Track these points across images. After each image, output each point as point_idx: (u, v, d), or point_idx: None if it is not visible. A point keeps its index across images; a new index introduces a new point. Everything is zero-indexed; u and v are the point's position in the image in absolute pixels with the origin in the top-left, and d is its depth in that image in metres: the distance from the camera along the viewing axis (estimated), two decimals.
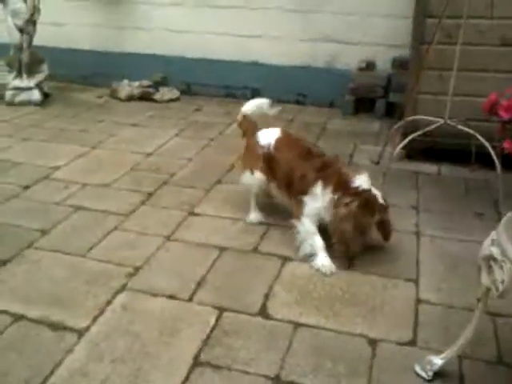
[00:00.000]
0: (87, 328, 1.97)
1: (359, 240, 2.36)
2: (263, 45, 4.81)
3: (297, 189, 2.50)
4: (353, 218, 2.29)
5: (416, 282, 2.27)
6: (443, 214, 2.84)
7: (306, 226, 2.44)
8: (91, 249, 2.49)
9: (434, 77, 3.29)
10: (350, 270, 2.37)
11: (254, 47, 4.84)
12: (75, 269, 2.34)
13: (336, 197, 2.33)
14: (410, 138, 3.00)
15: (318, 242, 2.41)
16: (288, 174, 2.55)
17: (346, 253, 2.37)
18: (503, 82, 2.93)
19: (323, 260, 2.36)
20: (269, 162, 2.65)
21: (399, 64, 4.30)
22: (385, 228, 2.43)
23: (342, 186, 2.34)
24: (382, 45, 4.47)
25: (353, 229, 2.30)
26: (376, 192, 2.39)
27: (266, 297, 2.16)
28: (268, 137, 2.73)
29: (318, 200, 2.40)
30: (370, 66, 4.50)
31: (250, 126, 2.89)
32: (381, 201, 2.38)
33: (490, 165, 2.89)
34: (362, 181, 2.35)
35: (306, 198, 2.44)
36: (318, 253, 2.39)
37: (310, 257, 2.41)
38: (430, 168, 3.45)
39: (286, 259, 2.42)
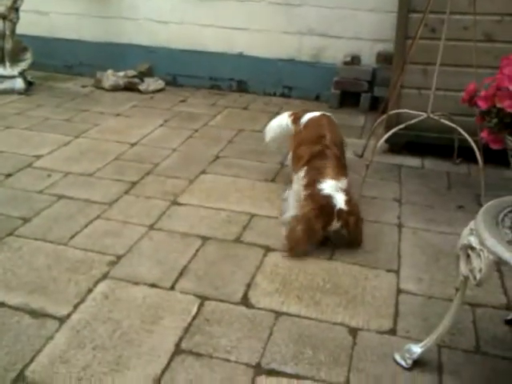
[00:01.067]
0: (68, 315, 1.97)
1: (307, 241, 2.37)
2: (249, 37, 4.80)
3: (294, 165, 2.71)
4: (303, 221, 2.36)
5: (397, 272, 2.29)
6: (425, 207, 2.87)
7: (289, 200, 2.62)
8: (73, 237, 2.47)
9: (418, 71, 3.31)
10: (332, 260, 2.38)
11: (240, 39, 4.83)
12: (57, 257, 2.32)
13: (304, 193, 2.43)
14: (392, 131, 3.02)
15: None
16: (295, 149, 2.75)
17: (291, 250, 2.38)
18: (486, 77, 2.97)
19: None
20: (296, 138, 2.84)
21: (384, 58, 4.32)
22: (349, 233, 2.43)
23: (312, 183, 2.44)
24: (367, 39, 4.48)
25: (301, 230, 2.35)
26: (339, 198, 2.38)
27: (248, 286, 2.16)
28: (306, 117, 2.90)
29: (299, 181, 2.53)
30: (355, 60, 4.51)
31: (300, 114, 3.00)
32: (342, 207, 2.36)
33: (473, 159, 2.92)
34: (327, 185, 2.39)
35: (295, 177, 2.61)
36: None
37: (286, 225, 2.50)
38: (413, 161, 3.47)
39: (268, 249, 2.43)
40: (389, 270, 2.31)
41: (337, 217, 2.36)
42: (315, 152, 2.56)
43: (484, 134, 1.42)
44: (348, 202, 2.41)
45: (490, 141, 1.42)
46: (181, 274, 2.22)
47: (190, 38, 4.94)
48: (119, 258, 2.33)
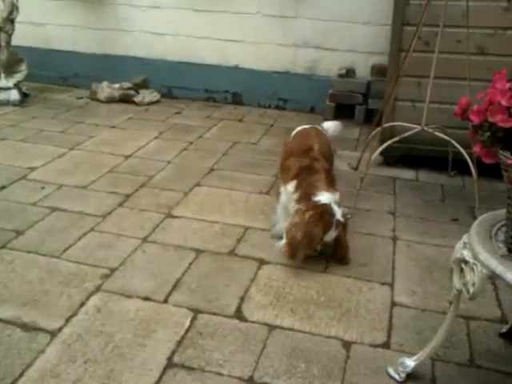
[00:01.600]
0: (60, 329, 1.95)
1: (305, 249, 2.35)
2: (244, 49, 4.82)
3: (282, 177, 2.71)
4: (303, 227, 2.33)
5: (391, 285, 2.29)
6: (420, 219, 2.87)
7: (278, 213, 2.62)
8: (66, 250, 2.46)
9: (412, 84, 3.33)
10: (326, 273, 2.37)
11: (235, 52, 4.85)
12: (49, 270, 2.31)
13: (297, 207, 2.42)
14: (387, 144, 3.02)
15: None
16: (284, 161, 2.73)
17: (291, 257, 2.36)
18: (480, 90, 2.98)
19: None
20: (284, 149, 2.84)
21: (378, 71, 4.33)
22: (340, 247, 2.43)
23: (305, 197, 2.42)
24: (362, 52, 4.51)
25: (301, 237, 2.32)
26: (337, 209, 2.38)
27: (242, 299, 2.15)
28: (296, 130, 2.96)
29: (288, 196, 2.52)
30: (349, 72, 4.53)
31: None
32: (339, 218, 2.37)
33: (467, 171, 2.93)
34: (323, 197, 2.39)
35: (282, 189, 2.61)
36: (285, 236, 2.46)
37: (277, 239, 2.50)
38: (407, 174, 3.48)
39: (262, 262, 2.42)
40: (383, 283, 2.30)
41: (335, 226, 2.36)
42: (304, 165, 2.54)
43: (476, 148, 1.42)
44: (343, 215, 2.41)
45: (483, 155, 1.42)
46: (174, 287, 2.21)
47: (185, 50, 4.96)
48: (112, 270, 2.31)
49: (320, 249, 2.40)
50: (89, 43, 5.18)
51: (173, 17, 4.88)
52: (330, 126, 3.13)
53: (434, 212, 2.96)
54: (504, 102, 1.32)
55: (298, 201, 2.44)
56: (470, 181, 2.96)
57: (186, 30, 4.89)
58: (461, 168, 3.18)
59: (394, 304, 2.16)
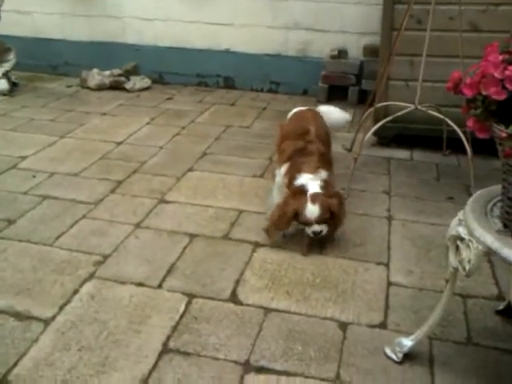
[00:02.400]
0: (53, 317, 1.93)
1: (278, 226, 2.38)
2: (235, 33, 4.76)
3: (278, 159, 2.70)
4: (278, 208, 2.37)
5: (387, 265, 2.27)
6: (415, 199, 2.85)
7: (274, 194, 2.60)
8: (59, 238, 2.44)
9: (405, 63, 3.29)
10: (322, 254, 2.35)
11: (226, 35, 4.79)
12: (42, 258, 2.28)
13: (286, 191, 2.44)
14: (380, 123, 2.99)
15: None
16: (280, 144, 2.71)
17: (267, 233, 2.40)
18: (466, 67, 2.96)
19: None
20: (281, 131, 2.81)
21: (370, 51, 4.28)
22: (333, 222, 2.39)
23: (291, 182, 2.42)
24: (354, 32, 4.45)
25: (275, 216, 2.35)
26: (312, 184, 2.35)
27: (237, 283, 2.14)
28: (292, 112, 2.94)
29: (280, 177, 2.52)
30: (342, 53, 4.47)
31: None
32: (317, 191, 2.34)
33: (462, 149, 2.90)
34: (302, 179, 2.37)
35: (277, 172, 2.58)
36: None
37: None
38: (402, 154, 3.45)
39: (256, 245, 2.40)
40: (379, 263, 2.28)
41: (311, 201, 2.30)
42: (298, 147, 2.52)
43: (470, 123, 1.40)
44: (324, 187, 2.37)
45: (477, 130, 1.40)
46: (168, 272, 2.19)
47: (175, 36, 4.89)
48: (106, 257, 2.29)
49: (317, 229, 2.33)
50: (78, 31, 5.11)
51: (162, 2, 4.81)
52: (333, 112, 3.10)
53: (429, 191, 2.94)
54: (497, 75, 1.29)
55: (287, 186, 2.44)
56: (465, 159, 2.94)
57: (175, 15, 4.82)
58: (455, 146, 3.16)
59: (390, 284, 2.15)
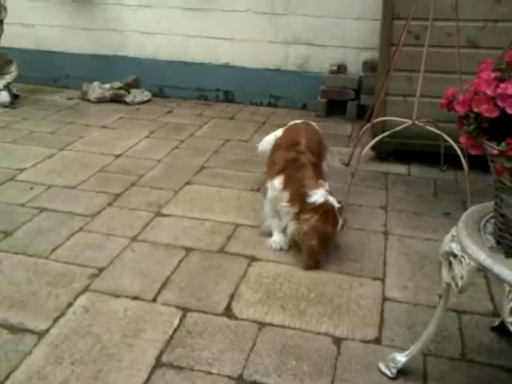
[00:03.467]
0: (47, 330, 1.93)
1: (324, 250, 2.38)
2: (235, 47, 4.79)
3: (268, 171, 2.67)
4: (315, 232, 2.32)
5: (382, 280, 2.27)
6: (412, 214, 2.86)
7: (266, 209, 2.59)
8: (55, 250, 2.44)
9: (403, 78, 3.31)
10: (317, 269, 2.35)
11: (226, 50, 4.82)
12: (37, 271, 2.28)
13: (293, 210, 2.40)
14: (377, 138, 3.00)
15: (274, 224, 2.54)
16: (271, 155, 2.72)
17: (315, 264, 2.35)
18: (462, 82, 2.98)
19: (276, 237, 2.50)
20: (273, 144, 2.83)
21: (370, 67, 4.31)
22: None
23: (299, 198, 2.39)
24: (353, 47, 4.49)
25: (318, 243, 2.32)
26: (331, 199, 2.37)
27: (232, 297, 2.13)
28: (287, 125, 2.96)
29: (275, 192, 2.50)
30: (341, 68, 4.50)
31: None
32: (337, 205, 2.37)
33: (459, 165, 2.90)
34: (318, 196, 2.36)
35: (269, 185, 2.56)
36: (274, 232, 2.52)
37: (267, 235, 2.55)
38: (399, 169, 3.46)
39: (252, 259, 2.40)
40: (374, 278, 2.28)
41: (339, 215, 2.35)
42: (289, 158, 2.53)
43: (463, 140, 1.41)
44: (338, 201, 2.42)
45: (469, 146, 1.40)
46: (163, 286, 2.19)
47: (176, 49, 4.93)
48: (101, 270, 2.29)
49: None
50: (79, 44, 5.15)
51: (163, 16, 4.85)
52: None
53: (426, 206, 2.95)
54: (489, 92, 1.30)
55: (291, 202, 2.41)
56: (462, 175, 2.94)
57: (176, 29, 4.86)
58: (453, 162, 3.16)
59: (385, 299, 2.14)
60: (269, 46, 4.71)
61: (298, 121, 2.92)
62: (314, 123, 2.96)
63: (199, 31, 4.81)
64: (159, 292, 2.15)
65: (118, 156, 3.59)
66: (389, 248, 2.52)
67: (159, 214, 2.80)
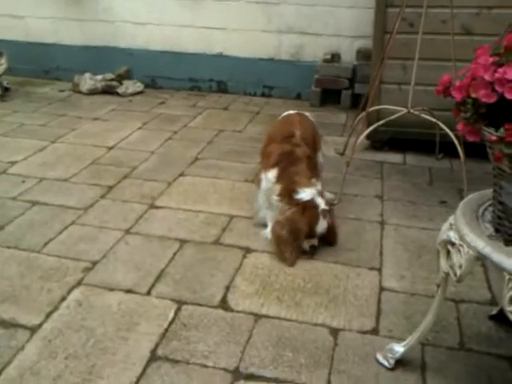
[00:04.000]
0: (40, 325, 1.90)
1: (293, 246, 2.30)
2: (228, 37, 4.74)
3: (263, 163, 2.63)
4: (288, 223, 2.30)
5: (379, 270, 2.25)
6: (408, 203, 2.83)
7: (259, 200, 2.56)
8: (47, 244, 2.40)
9: (397, 66, 3.28)
10: (313, 259, 2.33)
11: (219, 39, 4.77)
12: (30, 265, 2.25)
13: (281, 205, 2.39)
14: (372, 127, 2.98)
15: (269, 215, 2.49)
16: (266, 146, 2.67)
17: (281, 256, 2.31)
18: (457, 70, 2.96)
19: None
20: (267, 135, 2.80)
21: (364, 55, 4.28)
22: (330, 233, 2.40)
23: (287, 194, 2.38)
24: (347, 36, 4.45)
25: (288, 235, 2.29)
26: (320, 200, 2.34)
27: (227, 289, 2.11)
28: (281, 116, 2.91)
29: (269, 184, 2.47)
30: (335, 57, 4.47)
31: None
32: (324, 207, 2.33)
33: (455, 153, 2.88)
34: (305, 194, 2.34)
35: (263, 176, 2.53)
36: (268, 223, 2.47)
37: (261, 226, 2.51)
38: (394, 157, 3.44)
39: (247, 250, 2.37)
40: (371, 268, 2.26)
41: (322, 216, 2.31)
42: (285, 151, 2.49)
43: (460, 126, 1.38)
44: (328, 202, 2.39)
45: (467, 133, 1.38)
46: (157, 279, 2.16)
47: (168, 40, 4.87)
48: (94, 263, 2.26)
49: (316, 244, 2.35)
50: (70, 35, 5.08)
51: (154, 6, 4.79)
52: None
53: (421, 195, 2.93)
54: (487, 77, 1.28)
55: (280, 196, 2.39)
56: (458, 163, 2.92)
57: (168, 19, 4.80)
58: (448, 150, 3.15)
59: (382, 289, 2.12)
60: (262, 36, 4.66)
61: (291, 111, 2.88)
62: (308, 113, 2.92)
63: (191, 21, 4.76)
64: (153, 285, 2.12)
65: (110, 148, 3.55)
66: (385, 237, 2.50)
67: (153, 206, 2.76)
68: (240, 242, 2.43)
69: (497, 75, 1.26)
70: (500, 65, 1.29)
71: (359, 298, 2.07)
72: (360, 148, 3.21)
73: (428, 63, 3.06)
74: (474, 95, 1.30)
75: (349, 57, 4.45)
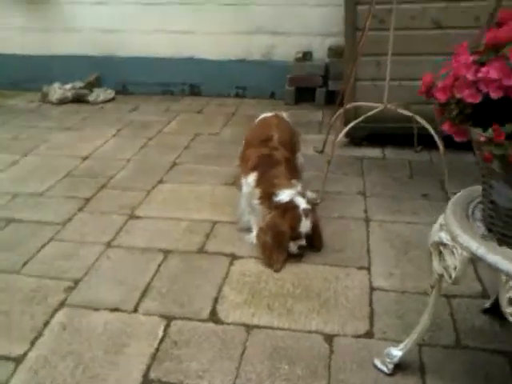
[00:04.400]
0: (24, 354, 1.81)
1: (279, 249, 2.27)
2: (198, 40, 4.68)
3: (242, 167, 2.63)
4: (270, 229, 2.28)
5: (368, 269, 2.22)
6: (390, 198, 2.81)
7: (242, 205, 2.53)
8: (26, 264, 2.32)
9: (371, 63, 3.25)
10: (301, 262, 2.29)
11: (189, 43, 4.70)
12: (8, 288, 2.16)
13: (262, 208, 2.37)
14: (351, 124, 2.95)
15: (253, 219, 2.46)
16: (244, 151, 2.66)
17: (269, 262, 2.26)
18: (440, 65, 2.95)
19: (255, 232, 2.40)
20: (245, 139, 2.76)
21: (335, 52, 4.27)
22: (314, 235, 2.35)
23: (267, 197, 2.35)
24: (318, 34, 4.43)
25: (272, 240, 2.26)
26: (300, 199, 2.31)
27: (216, 300, 2.05)
28: (258, 119, 2.88)
29: (249, 187, 2.45)
30: (307, 55, 4.45)
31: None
32: (305, 207, 2.30)
33: (433, 145, 2.86)
34: (284, 195, 2.30)
35: (243, 180, 2.51)
36: (253, 228, 2.43)
37: (245, 231, 2.47)
38: (373, 152, 3.43)
39: (233, 257, 2.33)
40: (360, 268, 2.23)
41: (304, 215, 2.27)
42: (263, 155, 2.46)
43: (446, 127, 1.34)
44: (310, 201, 2.36)
45: (454, 133, 1.34)
46: (143, 294, 2.10)
47: (137, 45, 4.78)
48: (76, 282, 2.19)
49: (303, 243, 2.31)
50: (37, 45, 4.95)
51: (121, 12, 4.70)
52: None
53: (403, 189, 2.91)
54: (470, 76, 1.24)
55: (260, 200, 2.37)
56: (437, 155, 2.90)
57: (136, 25, 4.72)
58: (426, 143, 3.13)
59: (372, 289, 2.09)
60: (232, 37, 4.61)
61: (268, 114, 2.84)
62: (284, 114, 2.88)
63: (159, 26, 4.68)
64: (140, 301, 2.06)
65: (85, 158, 3.46)
66: (371, 235, 2.48)
67: (132, 217, 2.70)
68: (225, 249, 2.38)
69: (480, 75, 1.23)
70: (481, 63, 1.25)
71: (350, 300, 2.04)
72: (339, 145, 3.17)
73: (401, 58, 3.04)
74: (458, 96, 1.27)
75: (321, 54, 4.43)
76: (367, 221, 2.60)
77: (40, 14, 4.85)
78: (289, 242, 2.29)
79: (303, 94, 4.48)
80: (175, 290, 2.12)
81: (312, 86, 4.44)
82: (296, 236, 2.29)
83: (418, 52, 3.13)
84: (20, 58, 5.00)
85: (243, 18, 4.51)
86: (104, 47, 4.85)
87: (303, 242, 2.31)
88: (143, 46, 4.77)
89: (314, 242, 2.36)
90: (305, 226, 2.28)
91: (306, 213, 2.29)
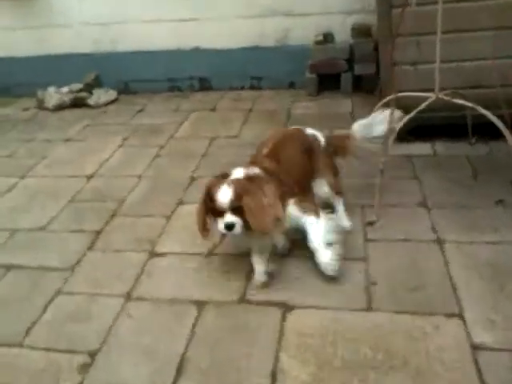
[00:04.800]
0: None
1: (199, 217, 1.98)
2: (203, 28, 4.24)
3: None
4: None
5: (461, 316, 1.74)
6: (458, 209, 2.34)
7: None
8: (30, 331, 1.89)
9: (411, 43, 2.78)
10: (371, 310, 1.82)
11: (193, 32, 4.26)
12: (10, 366, 1.74)
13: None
14: (405, 119, 2.47)
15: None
16: None
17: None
18: (493, 41, 2.55)
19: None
20: None
21: (360, 32, 3.83)
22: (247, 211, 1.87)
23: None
24: (338, 12, 3.99)
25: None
26: (238, 173, 1.96)
27: (273, 376, 1.59)
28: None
29: None
30: (327, 37, 3.98)
31: None
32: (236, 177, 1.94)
33: (490, 134, 2.45)
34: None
35: None
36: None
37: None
38: (422, 149, 2.95)
39: (286, 308, 1.86)
40: (449, 315, 1.75)
41: (227, 183, 1.87)
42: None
43: None
44: (253, 178, 1.94)
45: None
46: (179, 371, 1.64)
47: (136, 38, 4.38)
48: (93, 355, 1.74)
49: (229, 222, 1.84)
50: (26, 45, 4.57)
51: (115, 2, 4.28)
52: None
53: (470, 195, 2.44)
54: None
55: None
56: (498, 147, 2.44)
57: (133, 16, 4.31)
58: (482, 132, 2.67)
59: (474, 347, 1.61)
60: (241, 22, 4.18)
61: (284, 130, 2.38)
62: (315, 131, 2.32)
63: (159, 14, 4.26)
64: (175, 381, 1.61)
65: (90, 177, 3.03)
66: (450, 263, 2.00)
67: (153, 254, 2.25)
68: (273, 296, 1.92)
69: None
70: None
71: (449, 366, 1.56)
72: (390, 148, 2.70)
73: (447, 36, 2.55)
74: None
75: (343, 36, 3.98)
76: (440, 243, 2.12)
77: (26, 11, 4.45)
78: (207, 208, 1.93)
79: (326, 82, 4.03)
80: (218, 364, 1.66)
81: (336, 71, 3.98)
82: (218, 207, 1.86)
83: (472, 28, 2.65)
84: (8, 60, 4.62)
85: (253, 0, 4.05)
86: (100, 43, 4.45)
87: (228, 219, 1.84)
88: (143, 38, 4.36)
89: (250, 223, 1.86)
90: (224, 194, 1.85)
91: (230, 182, 1.88)
